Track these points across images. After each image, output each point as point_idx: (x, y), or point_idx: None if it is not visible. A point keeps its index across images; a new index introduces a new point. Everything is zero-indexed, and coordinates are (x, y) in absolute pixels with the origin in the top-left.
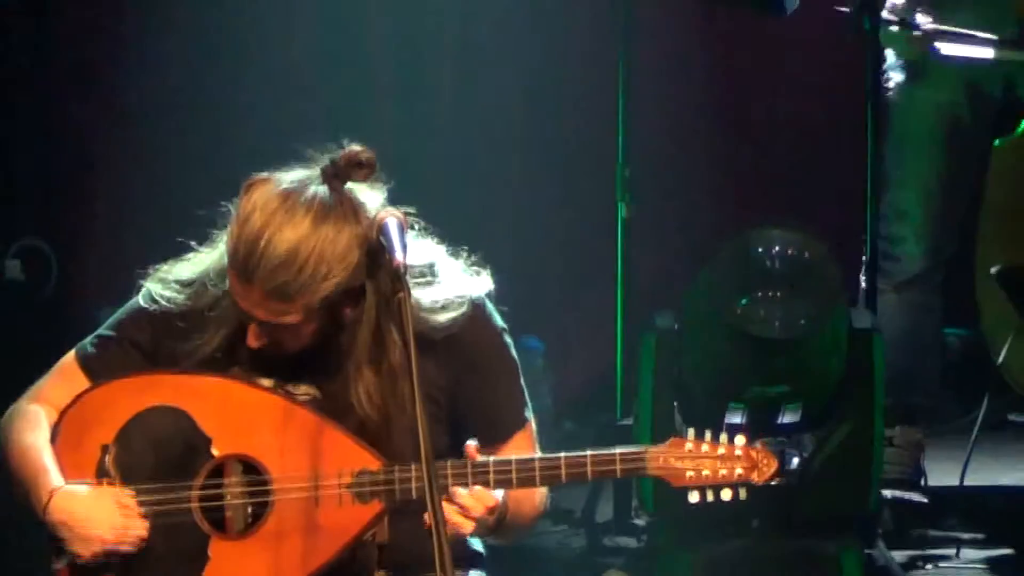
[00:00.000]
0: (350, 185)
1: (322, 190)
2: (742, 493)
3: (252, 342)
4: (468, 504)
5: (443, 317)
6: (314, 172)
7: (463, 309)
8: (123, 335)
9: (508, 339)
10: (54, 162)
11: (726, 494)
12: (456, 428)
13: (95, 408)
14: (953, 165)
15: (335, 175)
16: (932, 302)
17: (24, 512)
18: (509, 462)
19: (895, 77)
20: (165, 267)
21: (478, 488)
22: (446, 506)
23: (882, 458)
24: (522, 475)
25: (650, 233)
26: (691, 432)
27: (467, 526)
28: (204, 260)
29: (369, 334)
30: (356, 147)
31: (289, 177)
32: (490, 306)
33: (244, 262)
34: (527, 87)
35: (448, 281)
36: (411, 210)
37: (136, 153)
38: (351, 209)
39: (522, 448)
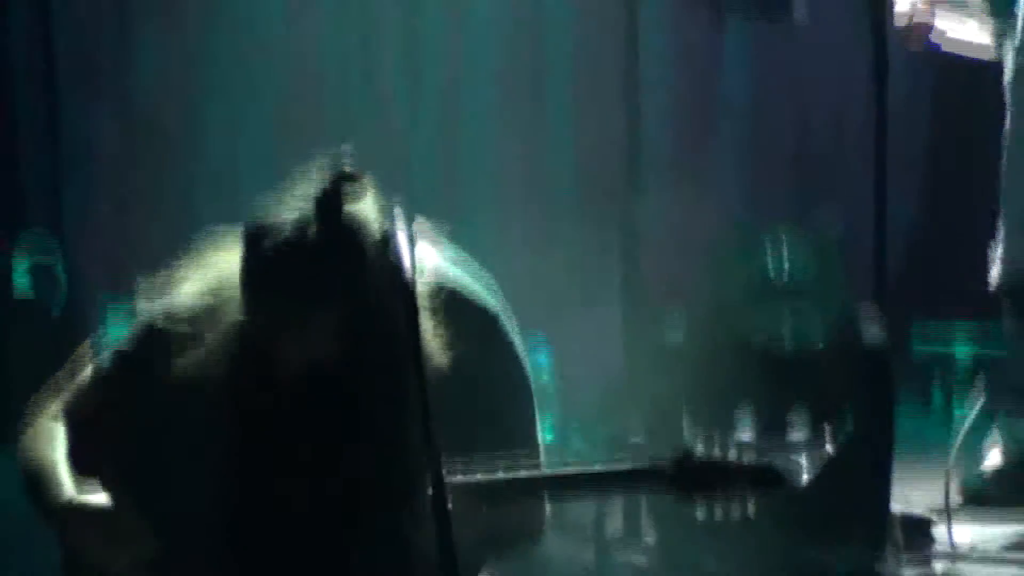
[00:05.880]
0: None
1: None
2: (750, 509)
3: None
4: None
5: (458, 331)
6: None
7: (479, 323)
8: (142, 349)
9: (524, 364)
10: (64, 167)
11: (734, 510)
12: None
13: (108, 416)
14: None
15: None
16: None
17: (29, 520)
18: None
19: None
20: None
21: None
22: None
23: (892, 471)
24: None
25: (659, 239)
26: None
27: None
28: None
29: None
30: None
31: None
32: (505, 324)
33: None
34: (534, 85)
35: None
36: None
37: (146, 155)
38: None
39: None
